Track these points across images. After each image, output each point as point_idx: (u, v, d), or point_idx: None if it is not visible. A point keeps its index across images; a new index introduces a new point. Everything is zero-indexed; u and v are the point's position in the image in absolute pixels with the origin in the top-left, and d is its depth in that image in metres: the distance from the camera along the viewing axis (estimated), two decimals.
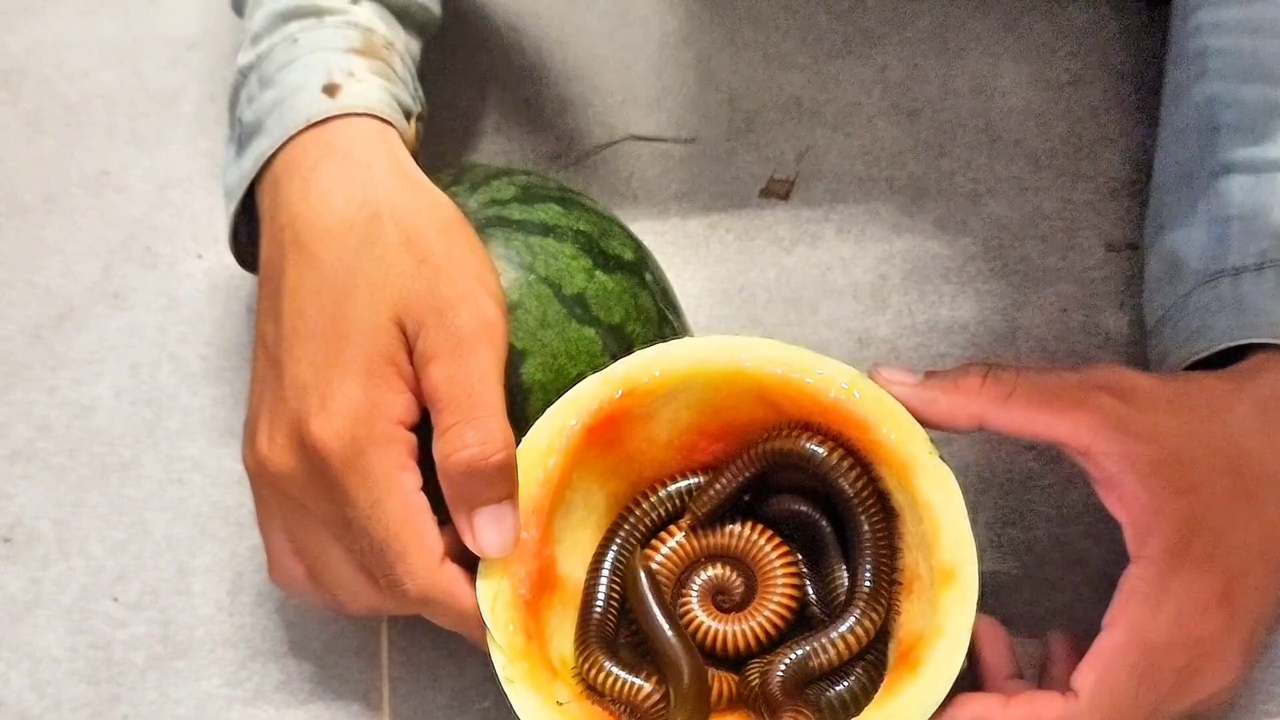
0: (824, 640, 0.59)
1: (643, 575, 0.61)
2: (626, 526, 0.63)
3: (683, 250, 0.79)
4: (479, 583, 0.59)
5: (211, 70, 0.88)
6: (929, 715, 0.57)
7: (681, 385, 0.62)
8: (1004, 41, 0.85)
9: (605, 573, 0.62)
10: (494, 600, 0.59)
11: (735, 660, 0.61)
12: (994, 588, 0.67)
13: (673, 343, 0.63)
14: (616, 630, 0.61)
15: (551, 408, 0.62)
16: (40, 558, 0.72)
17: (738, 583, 0.62)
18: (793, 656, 0.59)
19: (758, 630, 0.61)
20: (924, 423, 0.60)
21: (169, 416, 0.76)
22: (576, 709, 0.58)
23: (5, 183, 0.85)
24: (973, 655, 0.61)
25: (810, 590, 0.62)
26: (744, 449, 0.62)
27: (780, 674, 0.59)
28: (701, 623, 0.61)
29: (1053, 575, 0.68)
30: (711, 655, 0.61)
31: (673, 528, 0.63)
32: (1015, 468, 0.71)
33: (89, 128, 0.86)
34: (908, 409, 0.60)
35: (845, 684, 0.59)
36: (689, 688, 0.59)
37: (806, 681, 0.59)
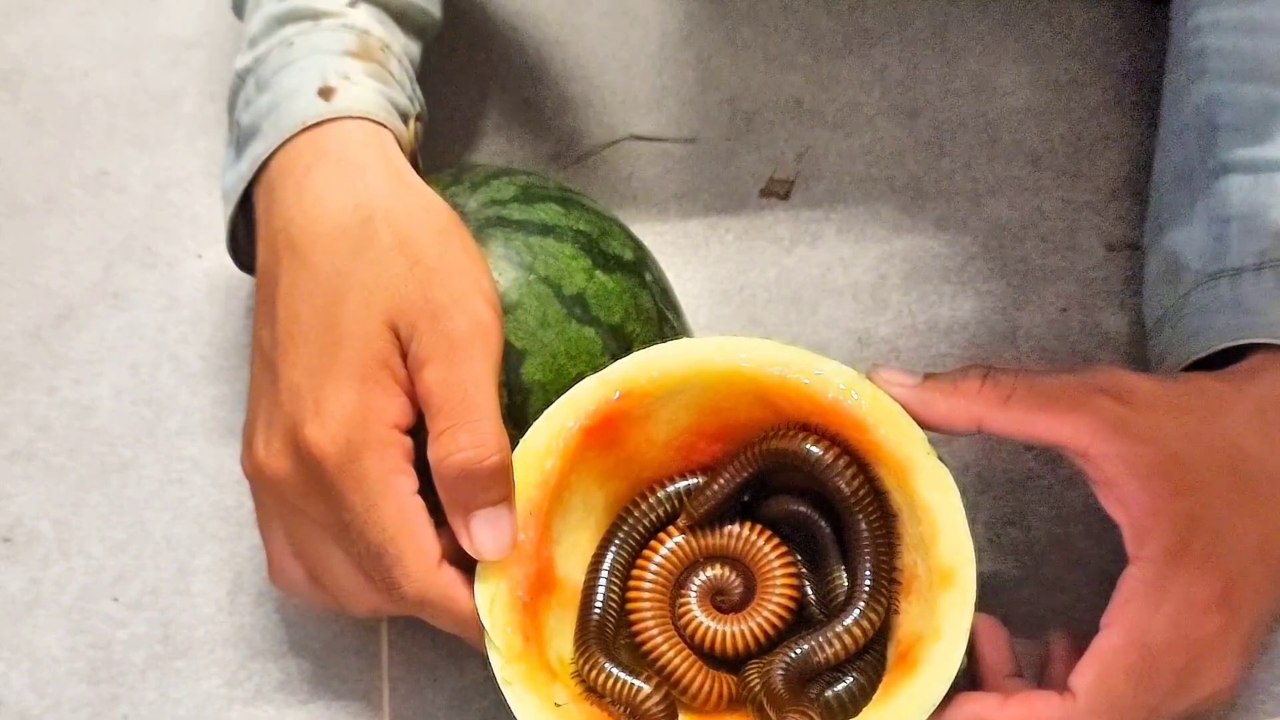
0: (827, 635, 0.59)
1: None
2: (625, 527, 0.63)
3: (683, 250, 0.79)
4: (477, 585, 0.59)
5: (211, 70, 0.88)
6: (926, 716, 0.57)
7: (680, 386, 0.62)
8: (1004, 41, 0.85)
9: (604, 574, 0.62)
10: (491, 602, 0.59)
11: (734, 661, 0.61)
12: (994, 588, 0.67)
13: (671, 344, 0.63)
14: (616, 631, 0.61)
15: (549, 409, 0.62)
16: (40, 558, 0.72)
17: (736, 583, 0.62)
18: (795, 653, 0.59)
19: (756, 631, 0.61)
20: (923, 425, 0.60)
21: (169, 416, 0.76)
22: (574, 710, 0.58)
23: (5, 183, 0.85)
24: (972, 654, 0.61)
25: (809, 591, 0.62)
26: (742, 449, 0.62)
27: (782, 670, 0.59)
28: (700, 623, 0.61)
29: (1053, 575, 0.68)
30: (710, 656, 0.61)
31: (671, 529, 0.63)
32: (1015, 468, 0.71)
33: (89, 128, 0.86)
34: (906, 410, 0.60)
35: (845, 683, 0.59)
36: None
37: (808, 678, 0.59)
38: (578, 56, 0.87)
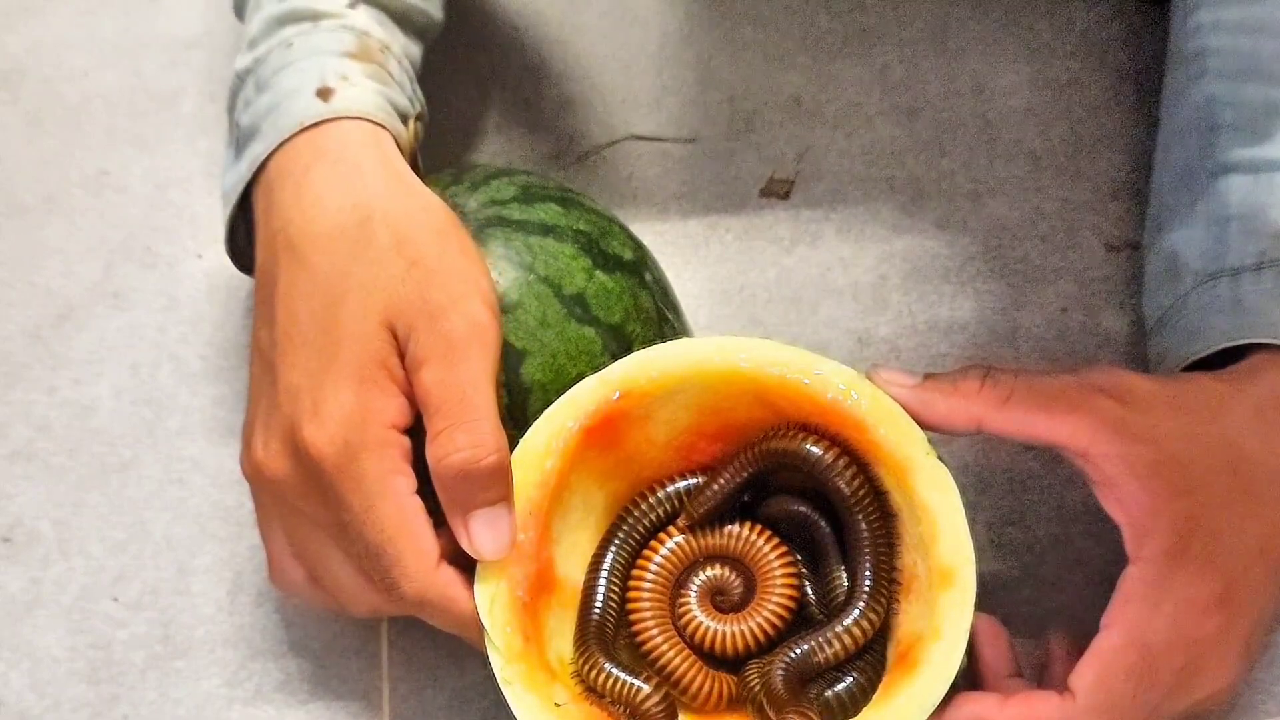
0: (827, 635, 0.59)
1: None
2: (625, 527, 0.63)
3: (683, 250, 0.79)
4: (476, 585, 0.59)
5: (211, 70, 0.88)
6: (926, 716, 0.57)
7: (679, 386, 0.62)
8: (1004, 41, 0.85)
9: (604, 574, 0.62)
10: (491, 602, 0.59)
11: (734, 661, 0.61)
12: (994, 588, 0.67)
13: (670, 343, 0.63)
14: (616, 631, 0.61)
15: (549, 410, 0.62)
16: (40, 558, 0.72)
17: (736, 583, 0.62)
18: (796, 652, 0.59)
19: (756, 631, 0.61)
20: (922, 425, 0.60)
21: (169, 416, 0.76)
22: (574, 710, 0.58)
23: (5, 183, 0.85)
24: (972, 654, 0.61)
25: (809, 591, 0.62)
26: (742, 449, 0.62)
27: (783, 670, 0.59)
28: (700, 623, 0.61)
29: (1053, 575, 0.68)
30: (710, 656, 0.61)
31: (671, 529, 0.63)
32: (1015, 468, 0.71)
33: (89, 128, 0.86)
34: (906, 410, 0.60)
35: (845, 683, 0.59)
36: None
37: (809, 678, 0.59)
38: (578, 56, 0.87)
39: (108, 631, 0.70)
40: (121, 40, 0.90)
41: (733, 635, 0.61)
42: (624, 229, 0.69)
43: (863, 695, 0.59)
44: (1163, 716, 0.58)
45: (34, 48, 0.90)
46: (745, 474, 0.62)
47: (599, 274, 0.65)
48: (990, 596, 0.66)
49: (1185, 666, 0.57)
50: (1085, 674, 0.57)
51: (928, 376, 0.61)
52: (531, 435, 0.61)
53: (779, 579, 0.61)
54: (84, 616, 0.70)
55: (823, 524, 0.62)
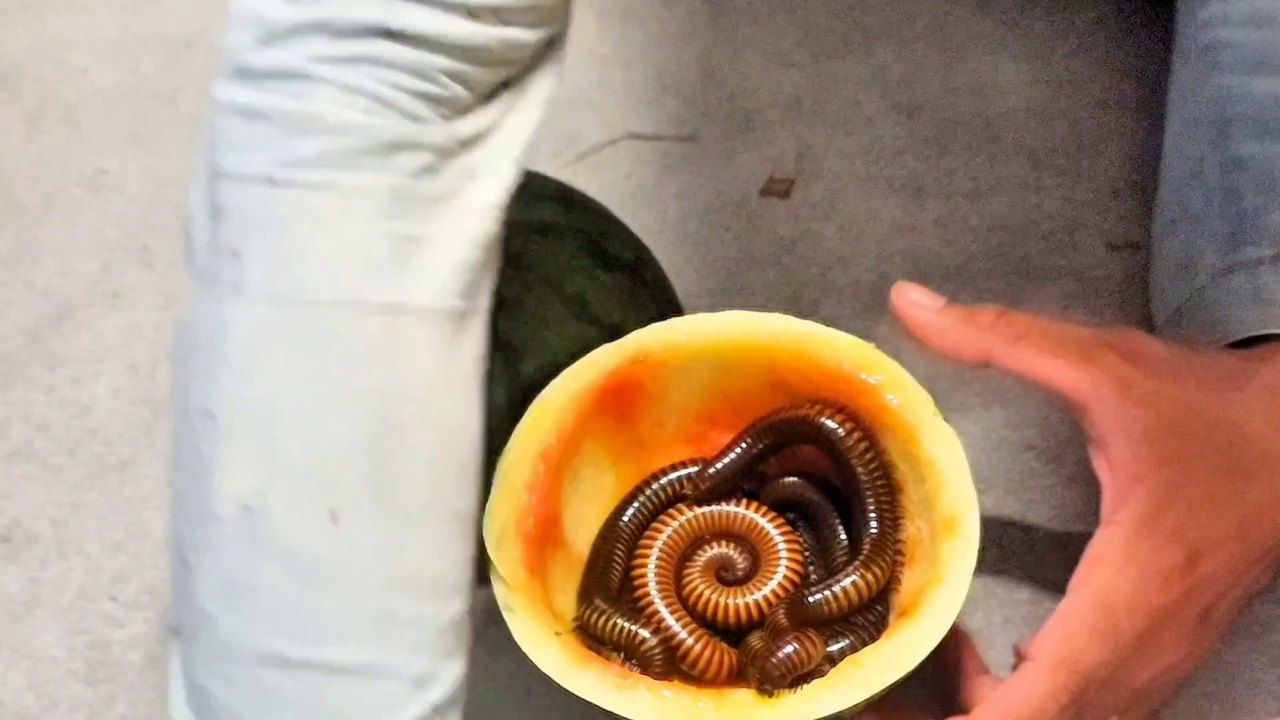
0: (827, 592, 0.59)
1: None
2: (637, 502, 0.63)
3: (683, 250, 0.79)
4: (485, 518, 0.59)
5: (211, 69, 0.88)
6: (925, 654, 0.56)
7: (693, 360, 0.62)
8: (1004, 40, 0.85)
9: (613, 541, 0.63)
10: (500, 536, 0.59)
11: (734, 631, 0.61)
12: (994, 588, 0.67)
13: (684, 318, 0.63)
14: (619, 596, 0.62)
15: (564, 371, 0.62)
16: (39, 557, 0.72)
17: (742, 561, 0.63)
18: (800, 601, 0.59)
19: (760, 602, 0.61)
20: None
21: (167, 416, 0.76)
22: (572, 640, 0.59)
23: (4, 182, 0.85)
24: (948, 657, 0.61)
25: (813, 573, 0.63)
26: (754, 422, 0.62)
27: (785, 610, 0.59)
28: (702, 593, 0.62)
29: (1053, 575, 0.68)
30: (711, 625, 0.61)
31: (682, 506, 0.64)
32: (1015, 468, 0.71)
33: (88, 126, 0.86)
34: (921, 332, 0.60)
35: (841, 644, 0.59)
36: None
37: (810, 627, 0.59)
38: (578, 56, 0.87)
39: (106, 631, 0.70)
40: (120, 39, 0.90)
41: (734, 607, 0.61)
42: (624, 229, 0.69)
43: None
44: (1125, 685, 0.57)
45: (33, 47, 0.90)
46: (757, 448, 0.62)
47: (599, 273, 0.65)
48: (991, 597, 0.66)
49: (1146, 631, 0.57)
50: (1047, 640, 0.56)
51: (947, 305, 0.61)
52: (548, 393, 0.62)
53: (783, 556, 0.62)
54: (82, 616, 0.70)
55: (829, 506, 0.63)
